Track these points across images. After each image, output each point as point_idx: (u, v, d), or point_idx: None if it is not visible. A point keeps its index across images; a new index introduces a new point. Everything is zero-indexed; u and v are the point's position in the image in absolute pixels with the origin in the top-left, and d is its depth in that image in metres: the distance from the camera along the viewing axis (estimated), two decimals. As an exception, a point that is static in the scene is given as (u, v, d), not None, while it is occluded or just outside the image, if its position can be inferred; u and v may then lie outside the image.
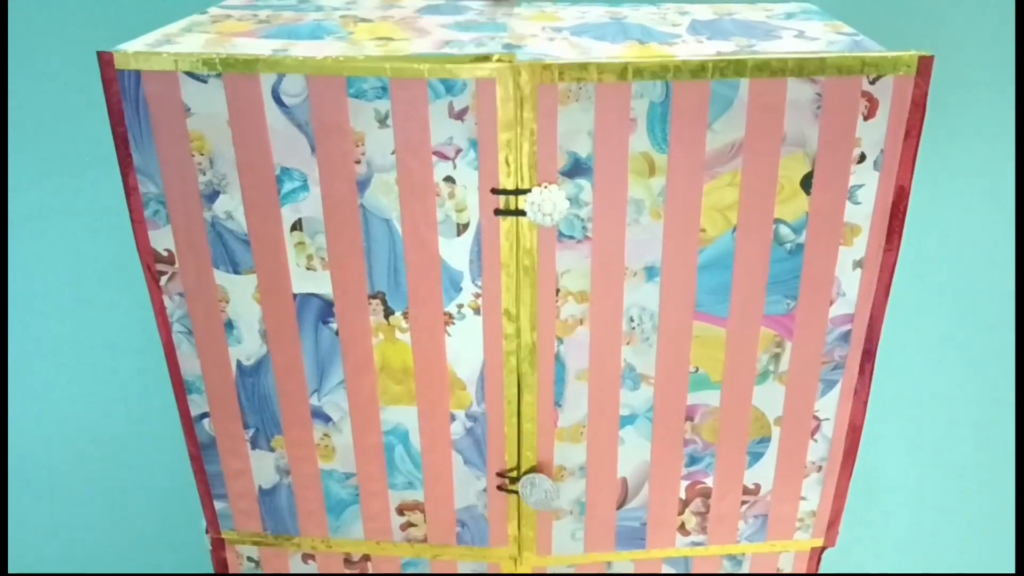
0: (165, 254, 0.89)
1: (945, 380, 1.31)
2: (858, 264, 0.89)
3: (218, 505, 1.05)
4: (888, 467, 1.35)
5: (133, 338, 1.31)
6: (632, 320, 0.90)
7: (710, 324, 0.91)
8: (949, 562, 1.42)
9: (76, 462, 1.44)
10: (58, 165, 1.20)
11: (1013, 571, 1.43)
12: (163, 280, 0.90)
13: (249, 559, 1.10)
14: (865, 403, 0.97)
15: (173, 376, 0.96)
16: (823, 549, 1.08)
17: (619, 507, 1.02)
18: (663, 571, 1.09)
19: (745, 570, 1.10)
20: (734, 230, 0.86)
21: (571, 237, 0.85)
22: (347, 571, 1.10)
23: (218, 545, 1.09)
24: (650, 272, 0.88)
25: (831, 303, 0.90)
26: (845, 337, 0.93)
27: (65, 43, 1.12)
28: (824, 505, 1.04)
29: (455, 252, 0.86)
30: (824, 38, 0.89)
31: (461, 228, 0.85)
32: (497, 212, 0.84)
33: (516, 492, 0.99)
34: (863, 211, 0.86)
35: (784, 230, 0.86)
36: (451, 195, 0.83)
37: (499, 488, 1.00)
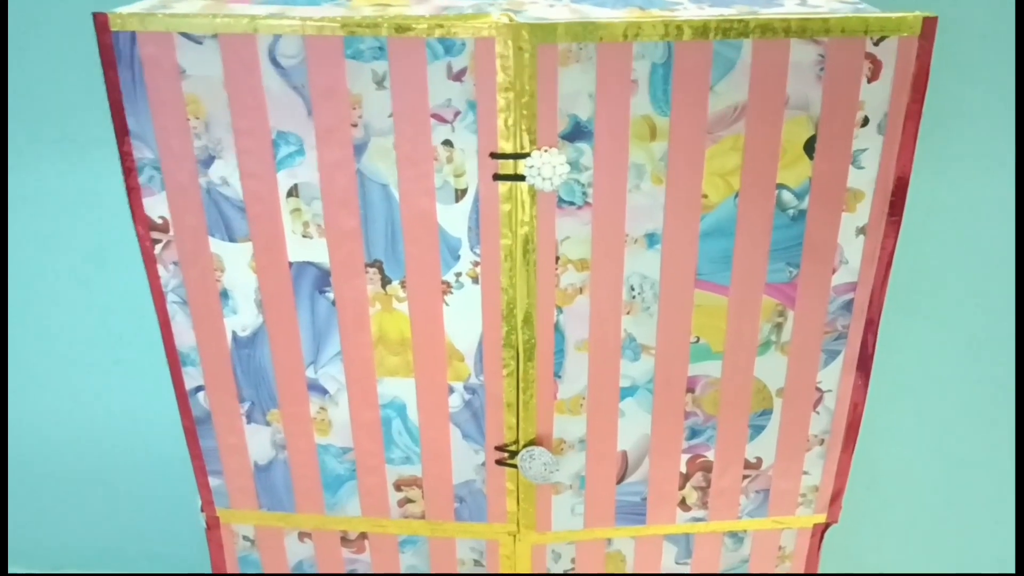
0: (160, 222, 0.88)
1: (948, 365, 1.30)
2: (861, 231, 0.88)
3: (213, 482, 1.04)
4: (889, 452, 1.34)
5: (127, 314, 1.29)
6: (632, 289, 0.89)
7: (711, 292, 0.90)
8: (951, 547, 1.41)
9: (70, 443, 1.42)
10: (54, 134, 1.19)
11: (1013, 571, 1.42)
12: (157, 249, 0.89)
13: (245, 538, 1.09)
14: (867, 375, 0.96)
15: (167, 348, 0.95)
16: (826, 526, 1.07)
17: (619, 481, 1.01)
18: (663, 550, 1.08)
19: (747, 548, 1.08)
20: (736, 196, 0.85)
21: (571, 203, 0.84)
22: (344, 549, 1.08)
23: (213, 523, 1.08)
24: (651, 239, 0.87)
25: (834, 271, 0.89)
26: (847, 306, 0.92)
27: (59, 9, 1.11)
28: (826, 480, 1.02)
29: (453, 219, 0.85)
30: (827, 6, 0.88)
31: (459, 194, 0.84)
32: (496, 177, 0.83)
33: (515, 466, 0.98)
34: (866, 176, 0.85)
35: (786, 196, 0.85)
36: (449, 159, 0.82)
37: (498, 462, 0.99)
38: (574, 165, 0.82)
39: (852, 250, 0.89)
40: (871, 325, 0.93)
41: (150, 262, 0.90)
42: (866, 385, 0.96)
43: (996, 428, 1.33)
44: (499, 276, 0.88)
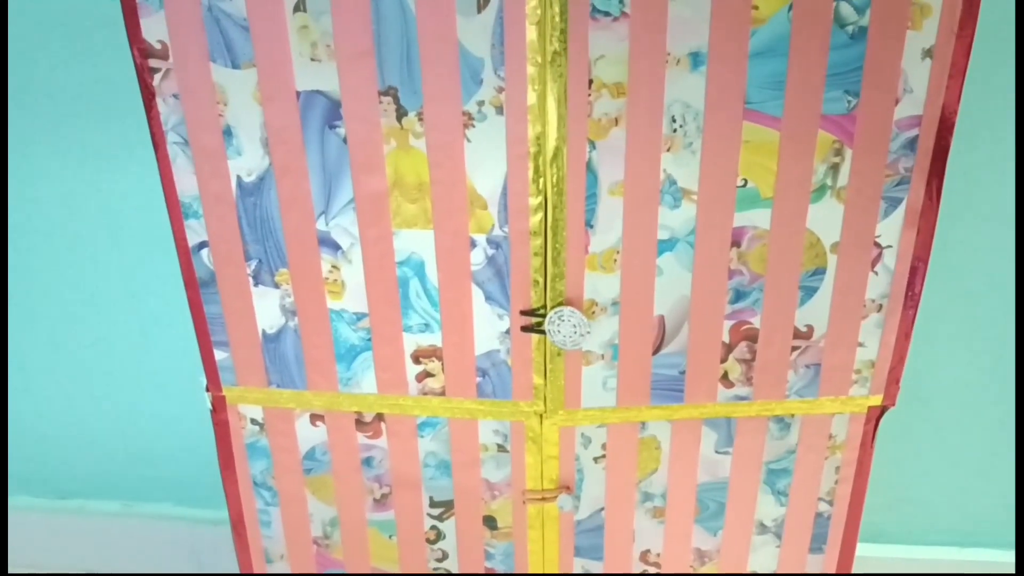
0: (158, 47, 0.81)
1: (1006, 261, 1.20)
2: (927, 53, 0.79)
3: (219, 355, 0.97)
4: (946, 333, 1.22)
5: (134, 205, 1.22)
6: (674, 120, 0.81)
7: (761, 125, 0.81)
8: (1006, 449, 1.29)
9: (75, 319, 1.35)
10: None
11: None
12: (156, 79, 0.82)
13: (253, 421, 1.02)
14: (932, 228, 0.87)
15: (168, 198, 0.88)
16: (883, 410, 0.98)
17: (656, 351, 0.92)
18: (702, 436, 0.99)
19: (794, 436, 1.00)
20: (790, 7, 0.76)
21: (607, 13, 0.76)
22: (359, 433, 1.01)
23: (219, 404, 1.01)
24: (695, 59, 0.78)
25: (896, 101, 0.81)
26: (911, 144, 0.83)
27: None
28: (884, 353, 0.93)
29: (475, 34, 0.77)
30: None
31: (482, 3, 0.76)
32: (523, -18, 0.75)
33: (542, 331, 0.90)
34: (935, -14, 0.76)
35: (845, 8, 0.77)
36: (471, -40, 0.75)
37: (523, 329, 0.91)
38: (609, -33, 0.74)
39: (918, 77, 0.80)
40: (937, 169, 0.84)
41: (148, 96, 0.83)
42: (931, 240, 0.87)
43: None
44: (525, 104, 0.80)
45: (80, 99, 1.16)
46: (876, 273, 0.89)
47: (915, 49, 0.79)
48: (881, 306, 0.91)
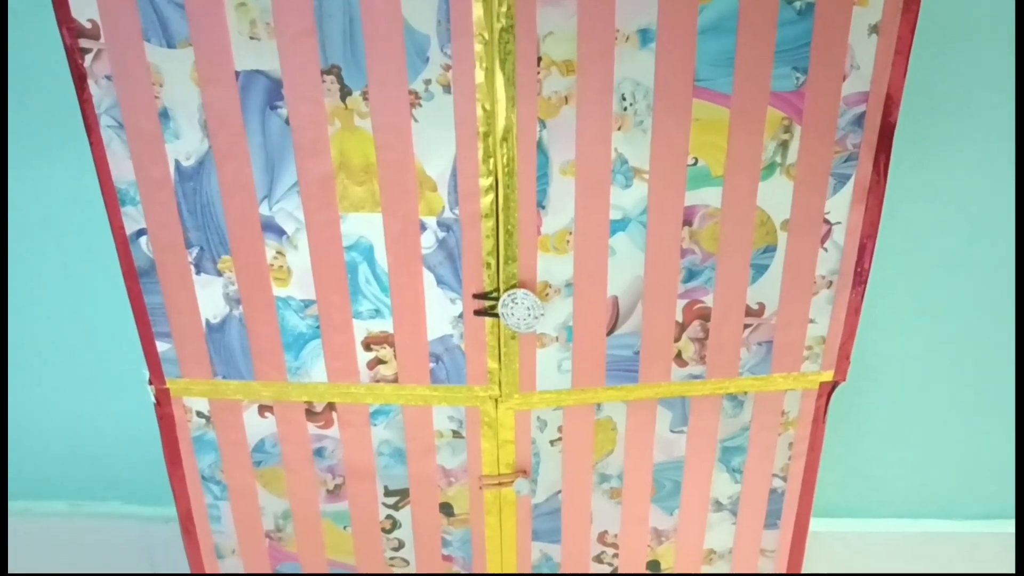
0: (88, 25, 0.77)
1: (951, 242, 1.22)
2: (874, 29, 0.79)
3: (161, 347, 0.94)
4: (896, 307, 1.24)
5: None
6: (624, 99, 0.80)
7: (711, 103, 0.81)
8: (959, 423, 1.32)
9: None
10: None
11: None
12: (87, 60, 0.79)
13: (199, 414, 0.99)
14: (880, 204, 0.87)
15: (103, 185, 0.85)
16: (834, 386, 0.99)
17: (610, 332, 0.92)
18: (657, 416, 0.99)
19: (747, 414, 1.00)
20: (738, -18, 0.76)
21: (554, -11, 0.75)
22: (310, 424, 0.99)
23: (163, 398, 0.97)
24: (644, 36, 0.77)
25: (844, 78, 0.81)
26: (859, 121, 0.83)
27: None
28: (834, 328, 0.94)
29: (420, 10, 0.75)
30: None
31: (427, -22, 0.74)
32: (468, -44, 0.73)
33: (496, 315, 0.89)
34: (881, -39, 0.76)
35: (793, -16, 0.77)
36: (415, -66, 0.73)
37: (476, 312, 0.90)
38: (556, -59, 0.73)
39: (864, 52, 0.80)
40: (884, 144, 0.84)
41: (79, 78, 0.79)
42: (878, 216, 0.88)
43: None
44: (473, 82, 0.78)
45: (8, 83, 1.11)
46: (826, 250, 0.90)
47: (862, 25, 0.79)
48: (831, 282, 0.91)
